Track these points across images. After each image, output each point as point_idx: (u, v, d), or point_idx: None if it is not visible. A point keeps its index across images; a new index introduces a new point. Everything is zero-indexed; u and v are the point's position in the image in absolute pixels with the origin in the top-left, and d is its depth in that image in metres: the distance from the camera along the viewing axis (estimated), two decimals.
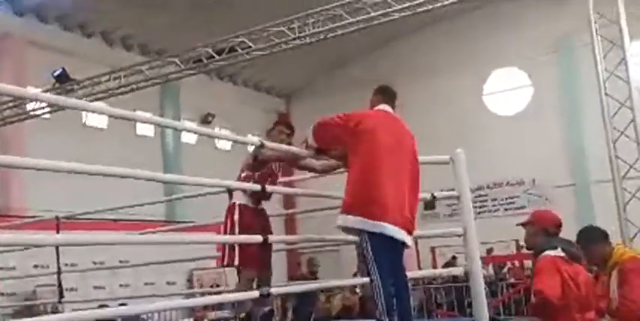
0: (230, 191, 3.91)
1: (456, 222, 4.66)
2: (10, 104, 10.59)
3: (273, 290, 3.55)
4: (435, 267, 12.71)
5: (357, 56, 18.70)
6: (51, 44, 13.50)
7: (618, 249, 4.17)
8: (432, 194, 4.47)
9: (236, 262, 3.82)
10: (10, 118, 10.59)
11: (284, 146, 4.07)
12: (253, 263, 3.87)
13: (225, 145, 18.62)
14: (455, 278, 8.92)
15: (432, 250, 13.32)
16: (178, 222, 12.30)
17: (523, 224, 4.06)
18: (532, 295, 3.63)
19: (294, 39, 8.40)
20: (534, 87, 17.20)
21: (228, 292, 3.94)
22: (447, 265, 12.53)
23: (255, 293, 3.39)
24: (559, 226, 3.94)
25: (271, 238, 3.63)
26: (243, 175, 4.08)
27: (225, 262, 3.85)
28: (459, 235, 4.56)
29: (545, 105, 16.54)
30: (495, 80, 17.81)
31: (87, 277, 11.90)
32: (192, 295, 12.34)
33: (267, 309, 3.99)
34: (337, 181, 4.91)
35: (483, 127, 16.79)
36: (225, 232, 3.90)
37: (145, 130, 15.98)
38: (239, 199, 3.94)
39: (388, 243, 3.50)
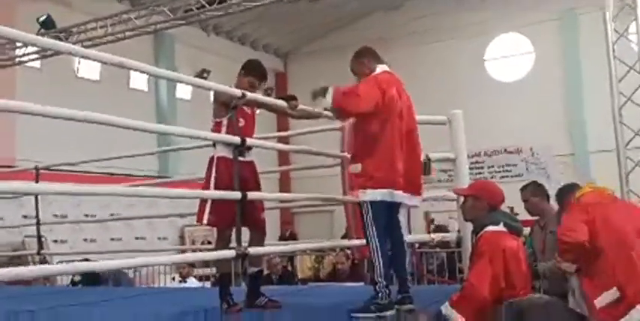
0: (214, 143, 3.65)
1: (451, 188, 4.52)
2: None
3: (251, 250, 3.37)
4: (428, 232, 12.70)
5: (359, 17, 18.29)
6: None
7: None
8: (427, 156, 4.31)
9: (204, 221, 3.55)
10: None
11: (267, 98, 3.88)
12: (225, 222, 3.56)
13: None
14: (446, 244, 8.82)
15: (426, 214, 13.30)
16: (170, 177, 12.19)
17: (465, 195, 3.90)
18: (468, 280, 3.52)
19: None
20: (536, 54, 16.90)
21: (210, 250, 3.73)
22: (436, 229, 12.49)
23: (232, 252, 3.21)
24: (503, 201, 3.80)
25: (251, 194, 3.36)
26: (213, 122, 3.79)
27: (197, 220, 3.64)
28: (453, 200, 4.46)
29: (547, 72, 16.26)
30: (497, 46, 17.50)
31: (79, 230, 11.87)
32: (184, 251, 12.35)
33: (256, 269, 3.84)
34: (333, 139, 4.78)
35: (483, 93, 16.52)
36: (203, 188, 3.64)
37: (139, 83, 15.56)
38: (218, 151, 3.63)
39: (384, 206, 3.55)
